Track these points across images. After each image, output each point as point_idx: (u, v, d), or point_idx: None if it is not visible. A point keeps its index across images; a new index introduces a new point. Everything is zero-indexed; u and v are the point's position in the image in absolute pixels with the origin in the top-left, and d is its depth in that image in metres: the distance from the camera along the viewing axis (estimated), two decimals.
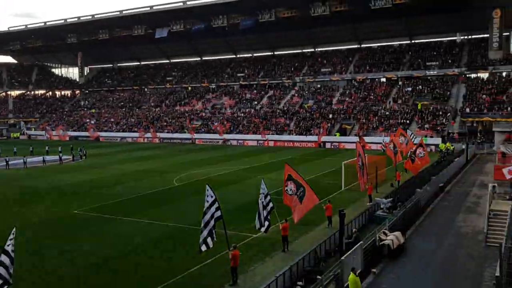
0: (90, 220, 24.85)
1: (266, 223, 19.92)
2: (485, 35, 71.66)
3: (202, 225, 16.22)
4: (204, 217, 16.30)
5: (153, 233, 22.24)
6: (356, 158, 30.02)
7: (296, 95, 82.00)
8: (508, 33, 72.01)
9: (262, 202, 19.74)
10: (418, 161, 33.45)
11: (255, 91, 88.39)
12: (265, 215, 19.82)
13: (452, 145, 52.03)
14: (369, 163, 34.08)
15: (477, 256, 18.41)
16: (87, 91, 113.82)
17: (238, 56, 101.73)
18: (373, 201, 26.45)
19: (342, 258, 15.43)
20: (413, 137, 46.26)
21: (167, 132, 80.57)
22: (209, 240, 16.29)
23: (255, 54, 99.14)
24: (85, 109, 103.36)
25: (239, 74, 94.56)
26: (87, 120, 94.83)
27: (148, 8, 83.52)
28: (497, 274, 11.99)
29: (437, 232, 21.94)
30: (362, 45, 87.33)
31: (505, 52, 69.78)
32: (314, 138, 65.40)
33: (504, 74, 67.20)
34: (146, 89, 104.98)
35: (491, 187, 25.35)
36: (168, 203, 29.02)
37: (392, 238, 18.61)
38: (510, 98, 59.29)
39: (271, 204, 20.23)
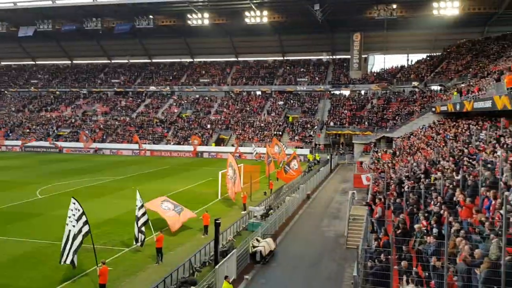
0: None
1: (141, 235, 19.41)
2: (347, 56, 79.34)
3: (64, 240, 15.18)
4: (68, 231, 15.25)
5: (12, 251, 20.04)
6: (227, 169, 30.63)
7: (175, 104, 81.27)
8: (366, 55, 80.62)
9: (138, 214, 19.23)
10: (292, 172, 35.42)
11: (131, 98, 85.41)
12: (139, 226, 19.31)
13: (319, 156, 56.28)
14: (244, 173, 35.27)
15: (339, 258, 20.14)
16: None
17: (113, 61, 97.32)
18: (247, 209, 27.34)
19: (216, 267, 15.68)
20: (285, 148, 49.11)
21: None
22: (71, 256, 15.31)
23: (131, 60, 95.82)
24: None
25: (113, 80, 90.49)
26: None
27: (12, 4, 75.54)
28: (355, 274, 13.24)
29: (305, 237, 23.52)
30: (239, 58, 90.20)
31: (364, 72, 78.02)
32: (191, 147, 65.32)
33: (362, 92, 74.91)
34: (6, 92, 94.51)
35: (351, 193, 28.02)
36: (30, 217, 26.40)
37: (264, 244, 19.45)
38: (368, 114, 66.33)
39: (146, 216, 19.78)
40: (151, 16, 73.08)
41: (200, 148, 65.18)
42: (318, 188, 38.91)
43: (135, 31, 77.09)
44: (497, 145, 19.23)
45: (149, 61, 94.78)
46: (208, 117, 75.15)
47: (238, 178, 29.65)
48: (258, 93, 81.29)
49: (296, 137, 64.80)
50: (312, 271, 18.52)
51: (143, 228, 19.35)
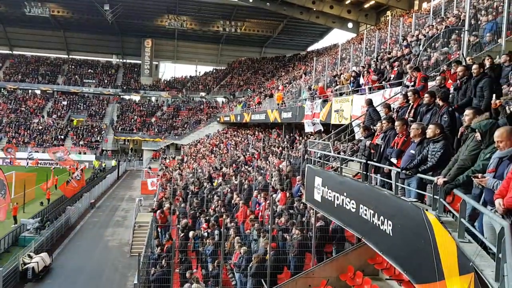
0: None
1: None
2: (138, 61, 78.49)
3: None
4: None
5: None
6: None
7: None
8: (157, 62, 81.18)
9: None
10: (74, 183, 32.43)
11: None
12: None
13: (112, 162, 53.61)
14: (16, 181, 31.21)
15: (122, 267, 19.59)
16: None
17: None
18: (18, 223, 24.14)
19: None
20: (65, 154, 45.59)
21: None
22: None
23: None
24: None
25: None
26: None
27: None
28: (135, 281, 13.06)
29: (86, 248, 22.12)
30: (15, 52, 79.41)
31: (155, 79, 78.38)
32: None
33: (153, 98, 75.06)
34: None
35: (137, 200, 27.73)
36: None
37: (38, 260, 17.55)
38: (158, 120, 66.78)
39: None
40: None
41: None
42: (104, 195, 37.19)
43: None
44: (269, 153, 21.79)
45: None
46: None
47: (8, 192, 25.00)
48: (37, 92, 72.99)
49: (81, 142, 60.50)
50: (92, 284, 17.53)
51: None
